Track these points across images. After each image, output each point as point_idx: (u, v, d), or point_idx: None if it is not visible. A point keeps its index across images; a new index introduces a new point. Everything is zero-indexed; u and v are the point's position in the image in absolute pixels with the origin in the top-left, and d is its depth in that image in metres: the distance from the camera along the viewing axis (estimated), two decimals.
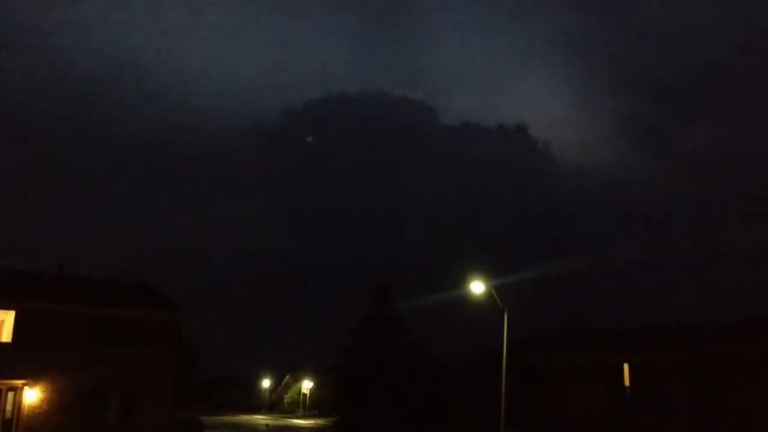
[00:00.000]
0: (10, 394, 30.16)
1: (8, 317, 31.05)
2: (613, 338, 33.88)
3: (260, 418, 71.63)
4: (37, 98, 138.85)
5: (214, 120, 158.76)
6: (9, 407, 30.03)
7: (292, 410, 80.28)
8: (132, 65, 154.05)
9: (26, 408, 30.31)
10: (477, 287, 24.59)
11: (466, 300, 25.88)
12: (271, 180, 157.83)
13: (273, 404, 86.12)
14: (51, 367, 30.86)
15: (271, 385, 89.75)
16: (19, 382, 30.25)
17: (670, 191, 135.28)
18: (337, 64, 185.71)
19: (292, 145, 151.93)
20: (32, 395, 30.41)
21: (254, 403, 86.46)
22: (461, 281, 25.14)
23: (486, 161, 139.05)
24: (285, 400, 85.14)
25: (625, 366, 30.86)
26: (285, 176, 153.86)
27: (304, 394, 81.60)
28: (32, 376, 30.51)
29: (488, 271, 25.40)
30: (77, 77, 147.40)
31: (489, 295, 24.92)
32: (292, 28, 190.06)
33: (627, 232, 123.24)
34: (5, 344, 30.66)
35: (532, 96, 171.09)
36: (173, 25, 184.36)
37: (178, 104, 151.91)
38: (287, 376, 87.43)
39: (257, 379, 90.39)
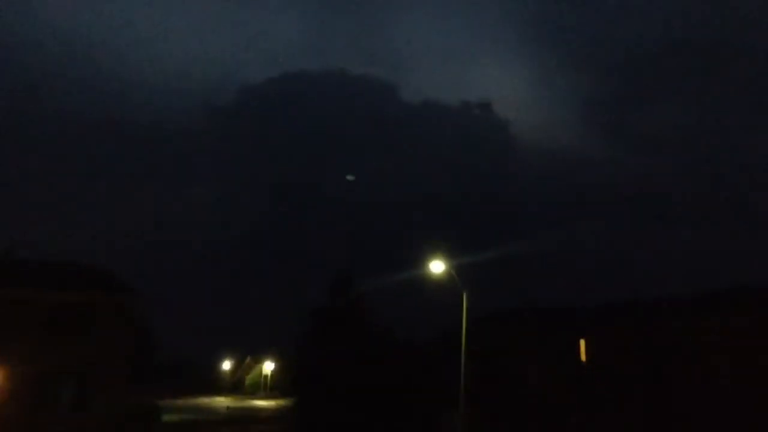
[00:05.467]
0: None
1: None
2: (569, 316, 34.41)
3: (221, 400, 71.15)
4: None
5: (169, 98, 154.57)
6: None
7: (254, 392, 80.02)
8: (83, 40, 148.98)
9: None
10: (437, 267, 24.64)
11: (427, 280, 25.95)
12: (228, 160, 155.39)
13: (234, 386, 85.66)
14: (2, 353, 29.93)
15: (231, 367, 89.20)
16: None
17: (629, 170, 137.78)
18: (297, 42, 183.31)
19: (249, 124, 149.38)
20: None
21: (215, 385, 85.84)
22: (422, 261, 25.17)
23: (447, 139, 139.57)
24: (246, 382, 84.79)
25: (581, 342, 31.52)
26: (243, 157, 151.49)
27: (266, 376, 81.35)
28: None
29: (448, 251, 25.47)
30: (23, 52, 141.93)
31: (449, 276, 24.99)
32: (251, 6, 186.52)
33: (586, 211, 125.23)
34: None
35: (495, 74, 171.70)
36: (127, 1, 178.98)
37: (131, 81, 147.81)
38: (248, 358, 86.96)
39: (218, 361, 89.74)
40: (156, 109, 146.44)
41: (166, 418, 43.65)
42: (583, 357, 31.32)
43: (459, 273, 25.03)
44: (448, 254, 25.17)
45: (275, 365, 78.75)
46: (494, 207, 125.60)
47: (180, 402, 59.74)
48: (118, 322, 33.64)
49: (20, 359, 30.06)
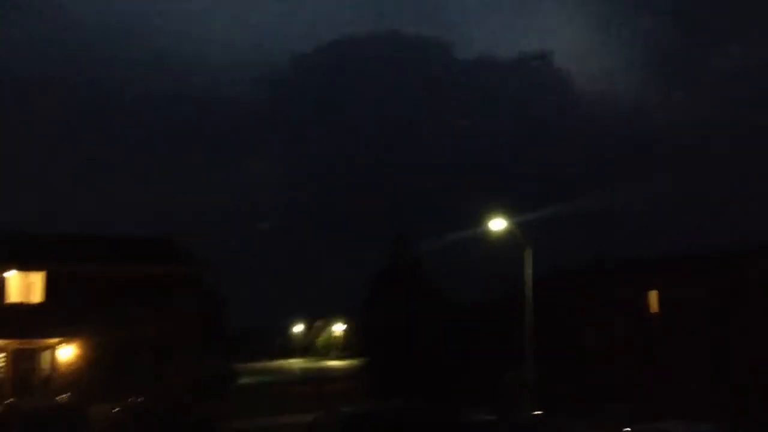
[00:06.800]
0: (45, 353, 31.12)
1: (38, 279, 31.75)
2: (638, 268, 33.54)
3: (294, 362, 73.44)
4: (42, 57, 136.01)
5: (221, 70, 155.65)
6: (45, 365, 31.06)
7: (326, 353, 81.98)
8: (136, 16, 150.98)
9: (62, 365, 31.22)
10: (497, 225, 24.24)
11: (488, 239, 25.65)
12: (283, 129, 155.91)
13: (306, 348, 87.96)
14: (82, 325, 31.48)
15: (303, 330, 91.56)
16: (52, 341, 31.11)
17: (693, 118, 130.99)
18: (346, 6, 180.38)
19: (303, 93, 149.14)
20: (66, 353, 31.26)
21: (288, 348, 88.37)
22: (482, 220, 24.79)
23: (505, 93, 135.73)
24: (318, 344, 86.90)
25: (652, 293, 30.77)
26: (298, 125, 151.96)
27: (337, 337, 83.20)
28: (65, 335, 31.28)
29: (510, 209, 25.02)
30: (82, 34, 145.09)
31: (511, 234, 24.59)
32: None
33: (651, 160, 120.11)
34: (36, 305, 31.42)
35: (553, 23, 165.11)
36: None
37: (184, 55, 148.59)
38: (318, 320, 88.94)
39: (290, 325, 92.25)
40: (208, 81, 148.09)
41: (243, 380, 45.38)
42: (655, 308, 30.61)
43: (521, 230, 24.61)
44: (510, 212, 24.74)
45: (345, 326, 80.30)
46: (557, 161, 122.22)
47: (255, 366, 61.80)
48: (193, 292, 34.90)
49: (99, 330, 31.53)
